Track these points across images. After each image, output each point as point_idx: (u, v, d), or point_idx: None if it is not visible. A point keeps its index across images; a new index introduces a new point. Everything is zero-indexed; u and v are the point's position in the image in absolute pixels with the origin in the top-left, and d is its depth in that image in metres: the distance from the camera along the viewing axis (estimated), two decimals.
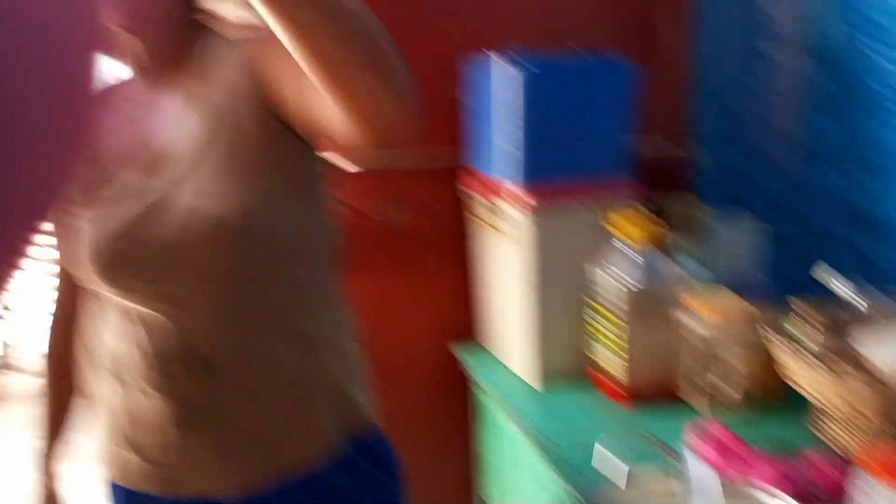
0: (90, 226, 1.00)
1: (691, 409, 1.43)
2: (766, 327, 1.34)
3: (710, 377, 1.40)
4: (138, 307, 0.99)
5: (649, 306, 1.43)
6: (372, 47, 0.72)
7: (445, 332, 1.85)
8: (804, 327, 1.32)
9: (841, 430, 1.26)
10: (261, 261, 0.97)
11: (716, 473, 0.84)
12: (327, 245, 1.06)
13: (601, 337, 1.49)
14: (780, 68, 1.82)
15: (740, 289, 1.45)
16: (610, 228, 1.48)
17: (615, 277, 1.44)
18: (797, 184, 1.81)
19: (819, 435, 1.30)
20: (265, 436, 1.02)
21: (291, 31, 0.69)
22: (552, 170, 1.54)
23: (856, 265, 1.60)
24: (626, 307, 1.42)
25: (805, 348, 1.24)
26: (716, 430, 1.21)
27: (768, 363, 1.42)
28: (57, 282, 1.18)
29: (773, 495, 0.85)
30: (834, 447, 1.25)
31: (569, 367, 1.58)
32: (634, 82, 1.60)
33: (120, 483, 1.07)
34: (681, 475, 0.87)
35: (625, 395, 1.46)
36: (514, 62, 1.53)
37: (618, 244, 1.47)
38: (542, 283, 1.56)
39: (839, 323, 1.32)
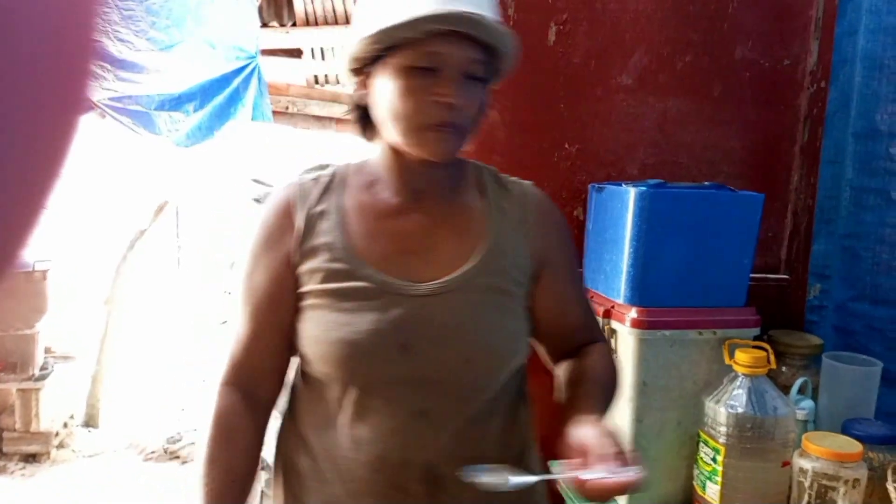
0: (351, 319, 1.02)
1: None
2: (884, 474, 1.32)
3: None
4: (381, 413, 1.03)
5: (752, 434, 1.42)
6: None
7: None
8: None
9: None
10: (505, 382, 1.09)
11: None
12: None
13: (703, 465, 1.49)
14: None
15: (857, 431, 1.43)
16: (725, 358, 1.50)
17: (722, 402, 1.45)
18: None
19: None
20: None
21: None
22: (668, 294, 1.56)
23: None
24: (725, 429, 1.43)
25: None
26: None
27: None
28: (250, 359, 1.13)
29: None
30: None
31: (673, 499, 1.56)
32: (759, 215, 1.63)
33: None
34: None
35: None
36: (634, 186, 1.60)
37: (730, 374, 1.48)
38: (646, 405, 1.55)
39: None
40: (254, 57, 3.96)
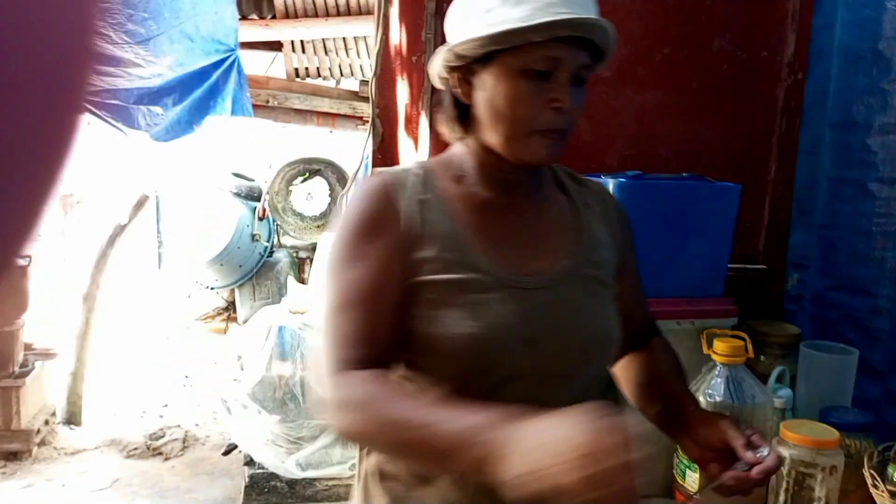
0: (476, 312, 0.99)
1: None
2: (860, 461, 1.34)
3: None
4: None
5: None
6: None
7: None
8: None
9: None
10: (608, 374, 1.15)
11: None
12: None
13: (682, 454, 1.50)
14: (875, 198, 1.85)
15: (833, 419, 1.45)
16: (703, 347, 1.52)
17: (700, 391, 1.46)
18: (892, 316, 1.81)
19: None
20: None
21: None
22: (646, 284, 1.56)
23: None
24: None
25: None
26: None
27: (859, 497, 1.41)
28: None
29: None
30: None
31: (655, 488, 1.57)
32: (737, 206, 1.65)
33: None
34: None
35: None
36: (613, 178, 1.61)
37: (709, 363, 1.50)
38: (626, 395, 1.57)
39: None
40: (233, 50, 3.93)
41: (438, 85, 1.10)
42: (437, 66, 1.07)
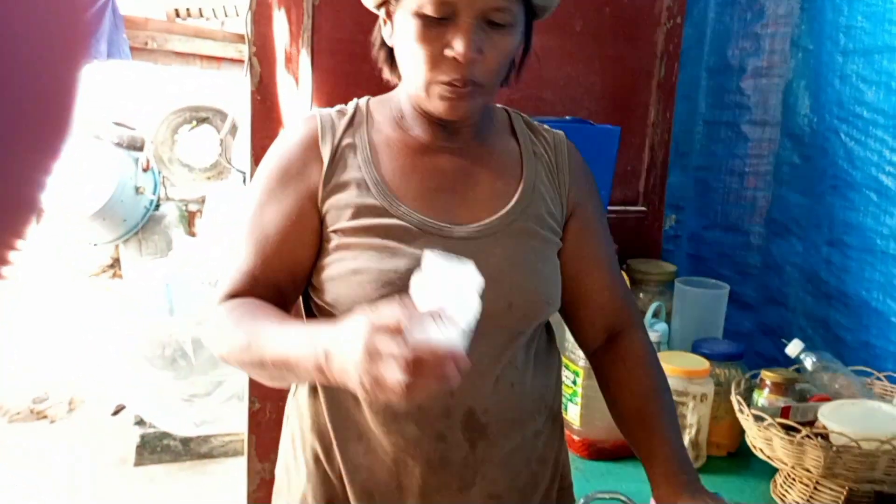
0: (388, 259, 0.96)
1: None
2: (729, 388, 1.42)
3: None
4: None
5: None
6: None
7: None
8: (764, 392, 1.39)
9: (788, 485, 1.32)
10: (539, 331, 1.08)
11: None
12: None
13: (565, 388, 1.55)
14: (748, 139, 1.93)
15: (705, 350, 1.52)
16: None
17: None
18: (762, 252, 1.91)
19: (774, 496, 1.36)
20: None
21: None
22: None
23: (821, 337, 1.69)
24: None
25: (763, 411, 1.31)
26: None
27: (728, 423, 1.49)
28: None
29: None
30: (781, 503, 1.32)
31: None
32: (616, 147, 1.68)
33: None
34: None
35: (581, 444, 1.51)
36: None
37: None
38: None
39: (798, 390, 1.40)
40: None
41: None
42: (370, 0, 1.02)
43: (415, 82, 0.95)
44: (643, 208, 1.99)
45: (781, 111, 1.84)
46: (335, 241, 0.98)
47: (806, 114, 1.75)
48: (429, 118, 1.01)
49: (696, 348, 1.55)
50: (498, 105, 1.14)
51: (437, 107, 0.95)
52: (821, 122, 1.69)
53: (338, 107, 1.07)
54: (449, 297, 0.79)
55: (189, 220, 4.72)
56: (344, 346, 0.77)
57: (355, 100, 1.08)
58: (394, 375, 0.72)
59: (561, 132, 1.15)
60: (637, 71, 1.98)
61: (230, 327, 0.94)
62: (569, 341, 1.51)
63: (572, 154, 1.13)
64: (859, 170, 1.58)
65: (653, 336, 1.59)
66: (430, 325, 0.75)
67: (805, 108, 1.75)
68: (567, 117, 1.73)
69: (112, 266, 4.94)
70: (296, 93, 1.70)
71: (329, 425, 1.03)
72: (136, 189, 4.41)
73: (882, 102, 1.53)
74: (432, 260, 0.82)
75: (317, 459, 1.05)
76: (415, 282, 0.82)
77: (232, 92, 4.47)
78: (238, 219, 1.06)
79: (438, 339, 0.74)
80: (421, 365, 0.72)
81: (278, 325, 0.90)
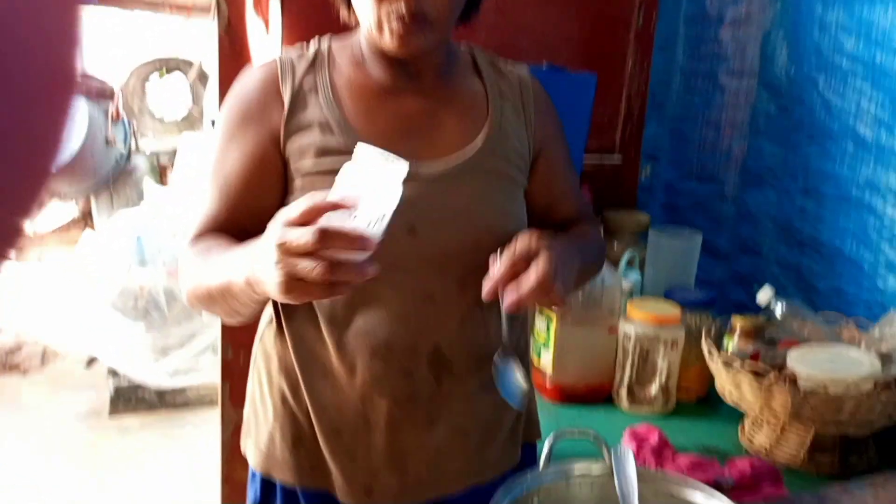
0: None
1: (619, 410, 1.50)
2: (700, 335, 1.43)
3: (640, 379, 1.48)
4: (386, 298, 0.99)
5: (584, 307, 1.50)
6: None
7: None
8: (735, 338, 1.41)
9: (755, 429, 1.35)
10: None
11: (633, 456, 0.91)
12: None
13: (537, 335, 1.56)
14: (724, 90, 1.92)
15: (676, 297, 1.54)
16: None
17: None
18: (737, 202, 1.91)
19: (742, 440, 1.39)
20: (478, 442, 1.06)
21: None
22: None
23: (794, 284, 1.71)
24: None
25: (733, 357, 1.33)
26: (640, 427, 1.29)
27: (698, 369, 1.51)
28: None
29: (686, 483, 0.93)
30: (749, 447, 1.35)
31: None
32: (592, 95, 1.67)
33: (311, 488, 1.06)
34: (604, 459, 0.94)
35: (553, 390, 1.52)
36: None
37: None
38: None
39: (768, 336, 1.42)
40: None
41: None
42: None
43: (367, 19, 0.95)
44: (619, 158, 1.98)
45: (759, 61, 1.83)
46: (299, 181, 0.99)
47: (784, 64, 1.74)
48: (387, 59, 1.01)
49: (667, 296, 1.56)
50: (461, 44, 1.13)
51: (388, 43, 0.95)
52: (798, 71, 1.68)
53: (297, 47, 1.06)
54: (370, 187, 0.80)
55: (161, 172, 4.63)
56: (262, 250, 0.80)
57: (315, 40, 1.07)
58: (306, 265, 0.75)
59: (525, 67, 1.14)
60: (614, 19, 1.95)
61: (188, 269, 0.96)
62: None
63: (538, 92, 1.12)
64: (836, 119, 1.58)
65: (625, 285, 1.60)
66: (341, 214, 0.77)
67: (783, 57, 1.74)
68: (543, 64, 1.71)
69: (83, 219, 4.87)
70: (266, 37, 1.66)
71: (295, 364, 1.03)
72: (107, 140, 4.32)
73: (861, 52, 1.52)
74: (364, 151, 0.83)
75: (283, 399, 1.05)
76: (343, 170, 0.82)
77: (203, 42, 4.36)
78: (204, 164, 1.06)
79: (346, 224, 0.77)
80: (328, 243, 0.75)
81: (221, 254, 0.93)
